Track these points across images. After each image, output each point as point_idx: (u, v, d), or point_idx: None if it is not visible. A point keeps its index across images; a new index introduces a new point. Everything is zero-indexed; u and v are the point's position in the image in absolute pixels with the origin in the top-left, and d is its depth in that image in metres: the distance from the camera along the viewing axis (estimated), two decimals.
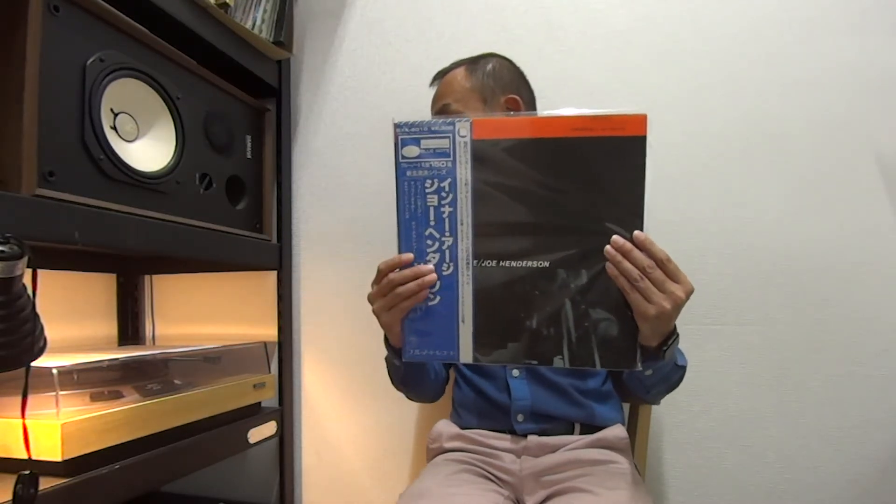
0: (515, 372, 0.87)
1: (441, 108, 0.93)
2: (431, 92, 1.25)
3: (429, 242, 0.63)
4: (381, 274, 0.66)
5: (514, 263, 0.61)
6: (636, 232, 0.59)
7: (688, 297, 0.61)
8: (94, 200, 0.75)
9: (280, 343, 1.21)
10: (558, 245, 0.60)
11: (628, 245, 0.58)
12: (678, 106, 1.08)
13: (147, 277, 1.31)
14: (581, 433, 0.85)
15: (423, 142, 0.61)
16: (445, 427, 0.91)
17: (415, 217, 0.63)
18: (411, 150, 0.61)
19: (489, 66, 0.93)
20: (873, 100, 1.01)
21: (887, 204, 1.00)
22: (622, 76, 1.11)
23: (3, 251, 0.52)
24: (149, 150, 0.86)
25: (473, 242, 0.62)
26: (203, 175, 0.98)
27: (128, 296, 1.29)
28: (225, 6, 1.02)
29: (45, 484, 0.65)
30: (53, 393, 0.71)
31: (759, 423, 1.04)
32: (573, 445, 0.83)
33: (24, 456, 0.61)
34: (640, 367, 0.62)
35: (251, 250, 1.11)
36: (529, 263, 0.61)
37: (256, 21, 1.11)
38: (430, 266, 0.63)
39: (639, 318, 0.60)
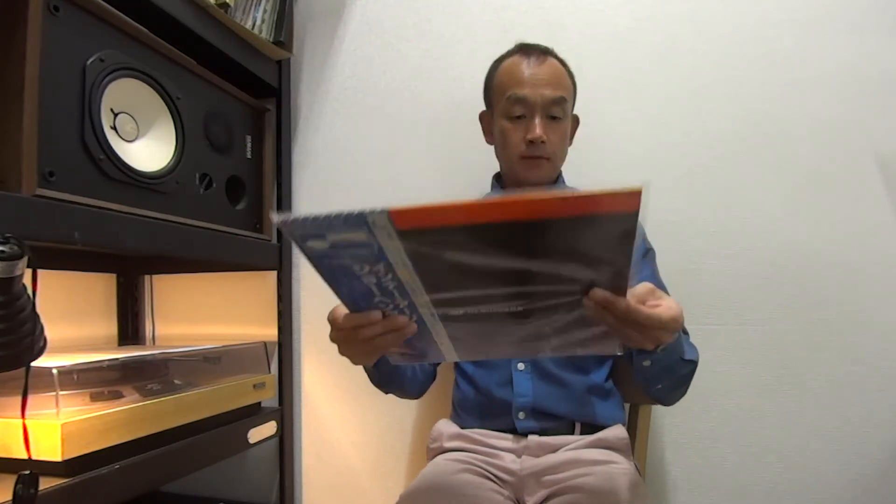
0: (521, 366, 0.87)
1: (559, 98, 0.85)
2: (431, 89, 1.25)
3: (381, 306, 0.54)
4: (345, 330, 0.57)
5: (482, 309, 0.53)
6: (618, 299, 0.50)
7: (681, 322, 0.55)
8: (94, 200, 0.75)
9: (280, 343, 1.21)
10: (531, 298, 0.51)
11: (609, 300, 0.50)
12: (678, 106, 1.08)
13: (147, 277, 1.31)
14: (581, 433, 0.85)
15: (329, 236, 0.46)
16: (445, 427, 0.91)
17: (353, 295, 0.54)
18: (318, 244, 0.47)
19: (571, 72, 0.91)
20: (873, 100, 1.01)
21: (887, 204, 1.00)
22: (622, 76, 1.11)
23: (3, 251, 0.52)
24: (149, 150, 0.86)
25: (432, 300, 0.52)
26: (203, 175, 0.98)
27: (128, 296, 1.29)
28: (225, 6, 1.02)
29: (45, 484, 0.64)
30: (53, 393, 0.71)
31: (759, 423, 1.04)
32: (573, 445, 0.83)
33: (24, 456, 0.61)
34: (621, 352, 0.59)
35: (251, 250, 1.11)
36: (500, 308, 0.53)
37: (256, 21, 1.11)
38: (405, 318, 0.55)
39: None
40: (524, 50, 0.90)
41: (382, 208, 0.43)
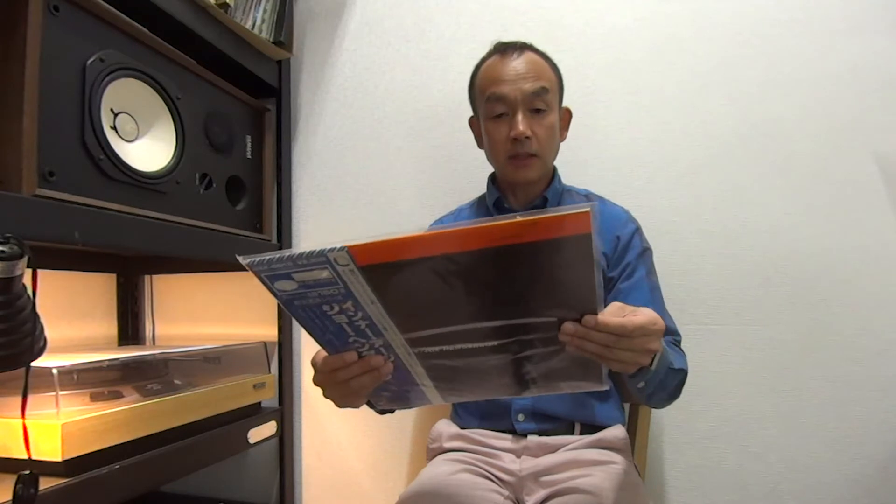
0: None
1: (539, 89, 0.84)
2: (431, 89, 1.25)
3: (356, 346, 0.55)
4: (322, 373, 0.59)
5: (458, 346, 0.53)
6: (586, 317, 0.50)
7: (662, 335, 0.57)
8: (94, 200, 0.75)
9: (280, 343, 1.21)
10: (503, 333, 0.51)
11: (582, 330, 0.51)
12: (678, 106, 1.08)
13: (147, 277, 1.31)
14: (581, 433, 0.85)
15: (295, 275, 0.47)
16: (445, 427, 0.91)
17: (326, 335, 0.54)
18: (287, 284, 0.48)
19: (554, 63, 0.89)
20: (873, 100, 1.01)
21: (887, 204, 1.00)
22: (622, 76, 1.11)
23: (3, 251, 0.52)
24: (149, 150, 0.86)
25: (406, 340, 0.53)
26: (203, 175, 0.98)
27: (128, 296, 1.29)
28: (225, 6, 1.02)
29: (45, 484, 0.64)
30: (53, 393, 0.71)
31: (759, 423, 1.04)
32: (573, 445, 0.83)
33: (24, 456, 0.61)
34: (606, 386, 0.60)
35: (251, 250, 1.11)
36: (476, 345, 0.53)
37: (256, 21, 1.11)
38: (380, 357, 0.55)
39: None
40: (500, 48, 0.88)
41: (342, 245, 0.44)
